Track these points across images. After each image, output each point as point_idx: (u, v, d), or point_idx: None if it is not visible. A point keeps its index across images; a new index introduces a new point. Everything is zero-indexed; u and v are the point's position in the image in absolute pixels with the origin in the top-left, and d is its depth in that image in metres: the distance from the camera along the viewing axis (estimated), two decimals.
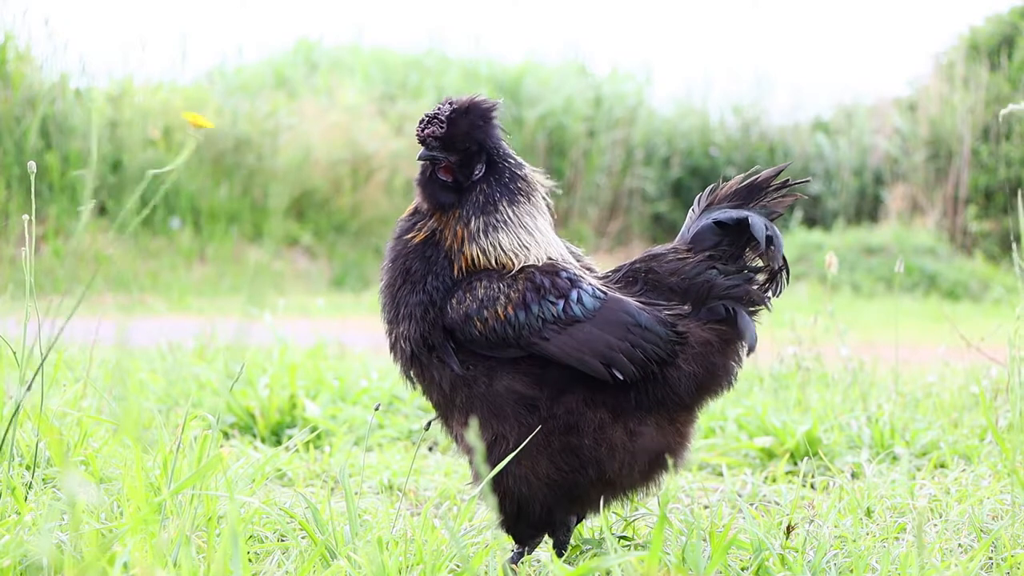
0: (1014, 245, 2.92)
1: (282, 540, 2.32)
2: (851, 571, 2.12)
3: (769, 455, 3.42)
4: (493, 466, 2.07)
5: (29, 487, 2.32)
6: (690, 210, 2.41)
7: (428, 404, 2.36)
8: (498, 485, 2.12)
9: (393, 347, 2.27)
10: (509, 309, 2.15)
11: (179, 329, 5.99)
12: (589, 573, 1.87)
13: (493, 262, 2.21)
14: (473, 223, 2.22)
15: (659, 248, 2.38)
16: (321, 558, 2.09)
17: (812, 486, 3.04)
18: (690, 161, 18.06)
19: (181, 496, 1.91)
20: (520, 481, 2.14)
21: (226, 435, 3.68)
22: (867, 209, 17.31)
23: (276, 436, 3.67)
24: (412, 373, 2.25)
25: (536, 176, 2.31)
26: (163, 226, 11.71)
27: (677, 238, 2.40)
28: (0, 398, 2.51)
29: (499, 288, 2.17)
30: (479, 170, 2.24)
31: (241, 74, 16.58)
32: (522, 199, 2.26)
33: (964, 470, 3.09)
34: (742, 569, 2.17)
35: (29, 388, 2.02)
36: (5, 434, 1.97)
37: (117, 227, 2.19)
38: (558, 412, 2.13)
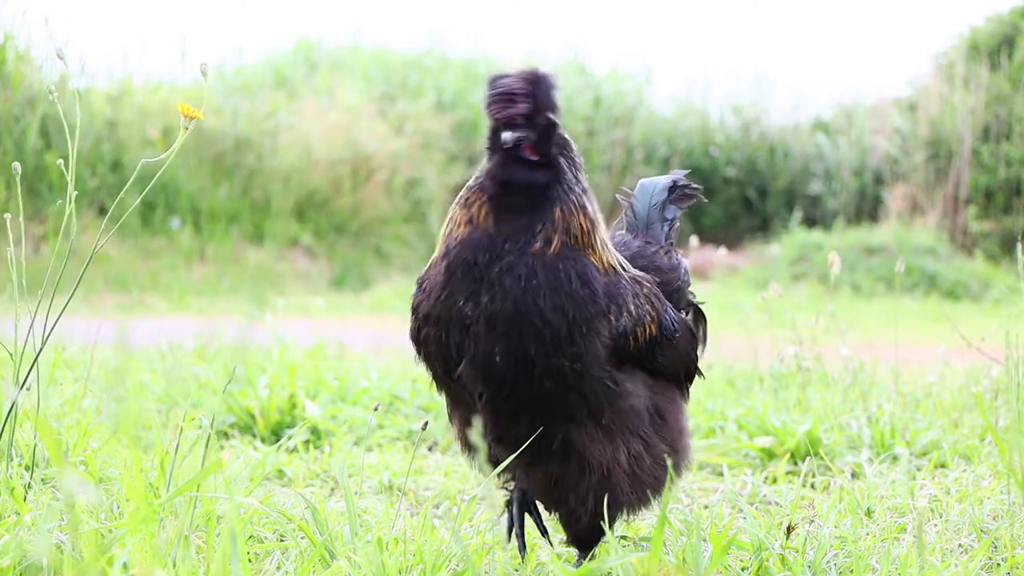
0: (1020, 245, 2.92)
1: (281, 540, 2.32)
2: (851, 571, 2.12)
3: (769, 455, 3.42)
4: (631, 482, 2.03)
5: (28, 487, 2.31)
6: (632, 201, 2.57)
7: (429, 404, 2.35)
8: (616, 500, 2.04)
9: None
10: (653, 328, 2.07)
11: (179, 329, 5.99)
12: (590, 574, 1.87)
13: (608, 260, 2.03)
14: (588, 209, 2.02)
15: (646, 248, 2.45)
16: (321, 558, 2.09)
17: (812, 486, 3.04)
18: (690, 161, 18.06)
19: (180, 496, 1.91)
20: (636, 491, 2.07)
21: (226, 435, 3.68)
22: (867, 209, 17.32)
23: (276, 436, 3.66)
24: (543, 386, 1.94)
25: None
26: (163, 226, 11.70)
27: (632, 229, 2.53)
28: None
29: (640, 302, 2.05)
30: (555, 148, 2.03)
31: (241, 74, 16.58)
32: (580, 163, 2.10)
33: (964, 470, 3.09)
34: (742, 569, 2.17)
35: (26, 387, 2.01)
36: (1, 432, 1.97)
37: (109, 223, 2.18)
38: (672, 422, 2.13)
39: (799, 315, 4.77)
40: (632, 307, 2.01)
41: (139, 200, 2.17)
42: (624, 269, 2.08)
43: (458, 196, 2.05)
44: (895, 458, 3.31)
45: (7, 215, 2.20)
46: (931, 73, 16.42)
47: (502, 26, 31.48)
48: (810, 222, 16.31)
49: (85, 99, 11.30)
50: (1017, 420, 2.55)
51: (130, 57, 15.39)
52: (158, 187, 10.88)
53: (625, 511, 2.10)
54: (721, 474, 3.30)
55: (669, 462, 2.05)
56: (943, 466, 3.26)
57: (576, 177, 2.04)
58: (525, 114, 1.96)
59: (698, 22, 36.76)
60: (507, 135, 1.95)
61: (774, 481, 3.16)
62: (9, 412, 2.11)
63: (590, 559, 2.15)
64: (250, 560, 2.18)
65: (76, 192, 2.09)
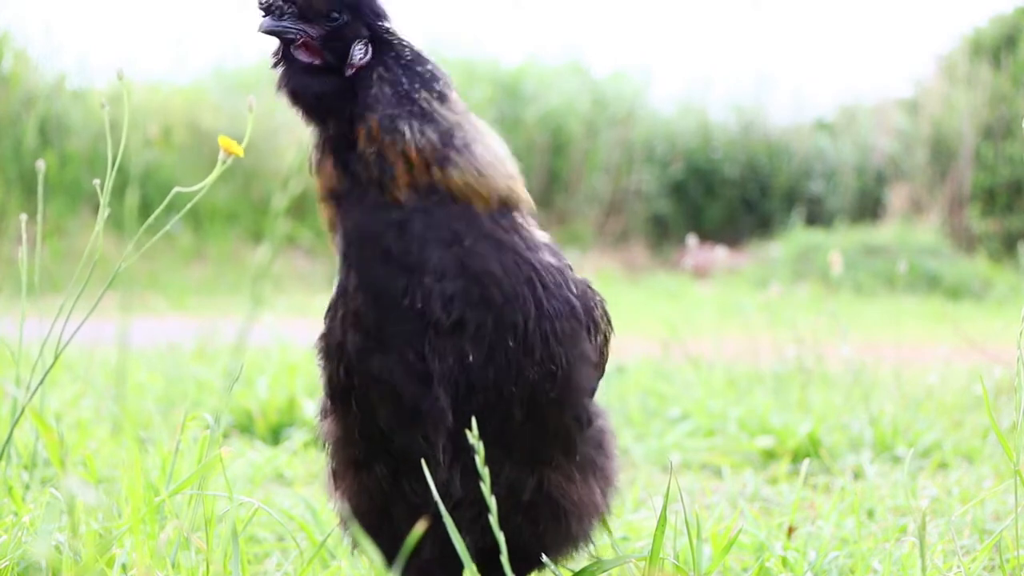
0: (1022, 244, 2.92)
1: (281, 541, 2.31)
2: (853, 572, 2.11)
3: (770, 455, 3.41)
4: (596, 521, 1.70)
5: (27, 488, 2.31)
6: None
7: None
8: (575, 543, 1.72)
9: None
10: (607, 348, 1.69)
11: (178, 329, 5.98)
12: (590, 574, 1.86)
13: (499, 196, 1.52)
14: (417, 133, 1.48)
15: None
16: (320, 559, 2.08)
17: (814, 487, 3.03)
18: (690, 161, 18.05)
19: (180, 497, 1.90)
20: (591, 529, 1.73)
21: (225, 435, 3.67)
22: (869, 209, 17.29)
23: (275, 436, 3.66)
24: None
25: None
26: (162, 226, 11.68)
27: None
28: None
29: (599, 310, 1.64)
30: (362, 51, 1.54)
31: (241, 74, 16.57)
32: (446, 89, 1.55)
33: (966, 471, 3.09)
34: (743, 570, 2.16)
35: (32, 390, 2.01)
36: (11, 436, 1.97)
37: (111, 224, 2.17)
38: (612, 449, 1.75)
39: (800, 315, 4.77)
40: (600, 321, 1.63)
41: (154, 213, 2.15)
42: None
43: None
44: (897, 459, 3.30)
45: (23, 216, 2.19)
46: (933, 73, 16.41)
47: (502, 26, 31.47)
48: (811, 222, 16.28)
49: (84, 99, 11.31)
50: None
51: (130, 57, 15.37)
52: (158, 187, 10.89)
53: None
54: (722, 475, 3.29)
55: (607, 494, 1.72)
56: (945, 467, 3.25)
57: (411, 96, 1.51)
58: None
59: (698, 22, 36.75)
60: (264, 23, 1.53)
61: (775, 481, 3.16)
62: (17, 416, 2.10)
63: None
64: (250, 561, 2.18)
65: (69, 192, 2.08)
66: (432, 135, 1.48)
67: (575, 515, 1.63)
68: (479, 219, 1.48)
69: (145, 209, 2.13)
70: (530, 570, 1.69)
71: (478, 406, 1.48)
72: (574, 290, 1.56)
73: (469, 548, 1.52)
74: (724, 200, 18.05)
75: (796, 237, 14.42)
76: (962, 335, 3.91)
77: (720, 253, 8.10)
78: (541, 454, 1.57)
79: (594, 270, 12.54)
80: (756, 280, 11.70)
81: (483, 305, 1.46)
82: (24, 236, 2.16)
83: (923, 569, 1.75)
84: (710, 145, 18.36)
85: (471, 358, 1.46)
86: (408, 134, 1.47)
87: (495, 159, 1.53)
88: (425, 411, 1.49)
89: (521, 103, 16.56)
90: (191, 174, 11.92)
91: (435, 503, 1.49)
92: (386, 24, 1.57)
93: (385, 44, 1.55)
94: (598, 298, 1.66)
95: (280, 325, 5.25)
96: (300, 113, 1.55)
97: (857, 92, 19.58)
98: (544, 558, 1.66)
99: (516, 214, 1.54)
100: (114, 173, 2.04)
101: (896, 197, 16.23)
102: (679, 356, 5.14)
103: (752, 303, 7.48)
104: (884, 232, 14.55)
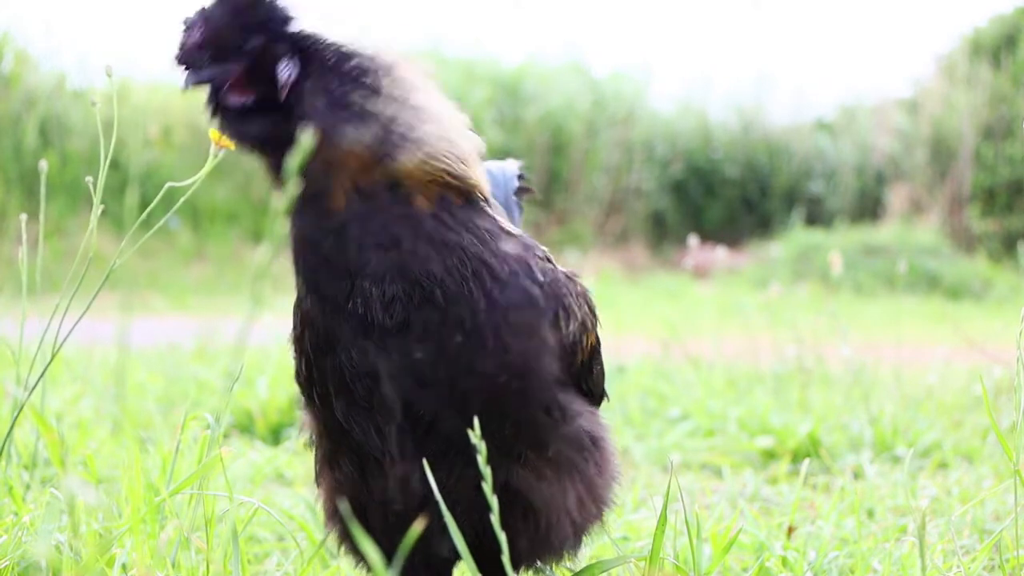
0: (1022, 244, 2.92)
1: (281, 541, 2.31)
2: (853, 572, 2.11)
3: (770, 455, 3.41)
4: (574, 532, 1.63)
5: (27, 487, 2.31)
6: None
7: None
8: (554, 553, 1.66)
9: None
10: (592, 337, 1.64)
11: (178, 329, 5.98)
12: (590, 574, 1.86)
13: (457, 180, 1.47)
14: (353, 136, 1.44)
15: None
16: (320, 559, 2.08)
17: (813, 487, 3.03)
18: (690, 161, 18.06)
19: (180, 496, 1.90)
20: (574, 545, 1.68)
21: (225, 435, 3.68)
22: (869, 209, 17.31)
23: (275, 437, 3.66)
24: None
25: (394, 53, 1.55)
26: (162, 226, 11.68)
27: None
28: None
29: (581, 302, 1.61)
30: (287, 70, 1.48)
31: None
32: (378, 79, 1.49)
33: (966, 471, 3.09)
34: (743, 570, 2.16)
35: (32, 387, 2.01)
36: (10, 433, 1.97)
37: (110, 223, 2.17)
38: (609, 457, 1.69)
39: (800, 315, 4.77)
40: (575, 309, 1.58)
41: (140, 199, 2.15)
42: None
43: None
44: (897, 459, 3.30)
45: (23, 216, 2.19)
46: (933, 73, 16.42)
47: (502, 26, 31.46)
48: (811, 222, 16.29)
49: (85, 99, 11.31)
50: None
51: (130, 57, 15.39)
52: (158, 187, 10.88)
53: (553, 567, 1.70)
54: (721, 474, 3.29)
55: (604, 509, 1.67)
56: (945, 467, 3.25)
57: (345, 98, 1.47)
58: (201, 44, 1.50)
59: (698, 22, 36.75)
60: (186, 77, 1.51)
61: (775, 481, 3.16)
62: (16, 415, 2.10)
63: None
64: (250, 561, 2.18)
65: (69, 192, 2.08)
66: (367, 134, 1.45)
67: (544, 515, 1.57)
68: (420, 219, 1.45)
69: (145, 208, 2.12)
70: (501, 572, 1.59)
71: (433, 401, 1.48)
72: (540, 278, 1.52)
73: (441, 548, 1.52)
74: (724, 200, 18.06)
75: (796, 237, 14.42)
76: (962, 335, 3.91)
77: (720, 253, 8.09)
78: (507, 448, 1.52)
79: (594, 270, 12.54)
80: (756, 280, 11.70)
81: (426, 305, 1.44)
82: (24, 236, 2.16)
83: (923, 569, 1.75)
84: (710, 145, 18.37)
85: (418, 355, 1.46)
86: (343, 141, 1.45)
87: (443, 138, 1.49)
88: (375, 406, 1.49)
89: (521, 103, 16.57)
90: (191, 174, 11.83)
91: (406, 502, 1.51)
92: (301, 29, 1.51)
93: (308, 52, 1.50)
94: (579, 288, 1.63)
95: (280, 325, 5.24)
96: (247, 152, 1.54)
97: (857, 92, 19.62)
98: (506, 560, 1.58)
99: (469, 206, 1.49)
100: (114, 172, 2.04)
101: (896, 197, 16.24)
102: (679, 356, 5.14)
103: (752, 303, 7.48)
104: (884, 232, 14.55)
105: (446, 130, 1.51)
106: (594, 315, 1.67)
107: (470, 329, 1.45)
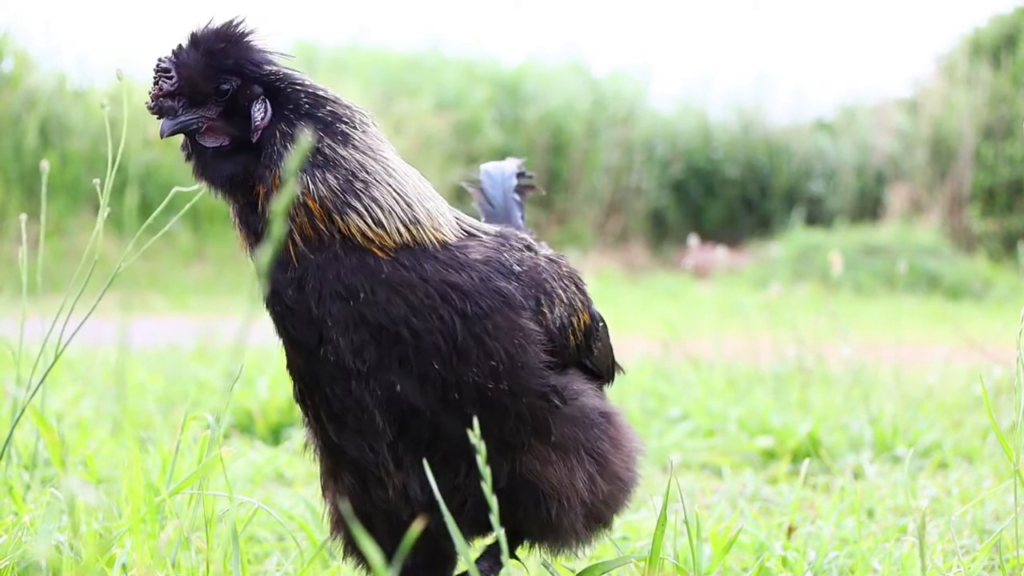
0: (1022, 244, 2.92)
1: (281, 541, 2.31)
2: (853, 572, 2.11)
3: (770, 455, 3.41)
4: (585, 514, 1.65)
5: (27, 488, 2.31)
6: (484, 189, 2.20)
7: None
8: (566, 539, 1.70)
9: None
10: (585, 316, 1.69)
11: (178, 329, 5.98)
12: (590, 574, 1.86)
13: (399, 235, 1.50)
14: (317, 183, 1.48)
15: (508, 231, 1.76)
16: (320, 559, 2.08)
17: (813, 487, 3.03)
18: (690, 161, 18.05)
19: (180, 497, 1.91)
20: (589, 526, 1.71)
21: (225, 435, 3.68)
22: (869, 209, 17.31)
23: (275, 436, 3.66)
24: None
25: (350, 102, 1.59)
26: (162, 226, 11.69)
27: (492, 219, 2.11)
28: None
29: (566, 284, 1.66)
30: (261, 111, 1.52)
31: None
32: (349, 128, 1.54)
33: (966, 471, 3.09)
34: (743, 570, 2.16)
35: (33, 389, 2.01)
36: (11, 435, 1.97)
37: (111, 224, 2.17)
38: (624, 432, 1.75)
39: (800, 315, 4.77)
40: (560, 292, 1.63)
41: (155, 214, 2.15)
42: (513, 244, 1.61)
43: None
44: (897, 459, 3.30)
45: (24, 216, 2.19)
46: (933, 73, 16.41)
47: (502, 26, 31.47)
48: (811, 222, 16.29)
49: (85, 99, 11.31)
50: None
51: (130, 57, 15.38)
52: (158, 187, 10.89)
53: (574, 549, 1.73)
54: (722, 474, 3.29)
55: (625, 486, 1.71)
56: (945, 467, 3.25)
57: (315, 135, 1.51)
58: (175, 92, 1.52)
59: (698, 22, 36.74)
60: (163, 125, 1.53)
61: (775, 481, 3.16)
62: (18, 416, 2.10)
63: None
64: (250, 561, 2.18)
65: (70, 192, 2.08)
66: (332, 181, 1.49)
67: (554, 499, 1.60)
68: (377, 267, 1.49)
69: (145, 209, 2.13)
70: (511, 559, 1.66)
71: (427, 420, 1.52)
72: (516, 269, 1.56)
73: (447, 548, 1.58)
74: (724, 200, 18.06)
75: (796, 237, 14.42)
76: (962, 335, 3.91)
77: (720, 253, 8.09)
78: (511, 440, 1.56)
79: (594, 270, 12.54)
80: (756, 280, 11.70)
81: (396, 345, 1.49)
82: (24, 236, 2.16)
83: (923, 569, 1.75)
84: (710, 145, 18.37)
85: (398, 388, 1.50)
86: (309, 185, 1.48)
87: (396, 203, 1.51)
88: (364, 431, 1.54)
89: (521, 103, 16.57)
90: (190, 173, 11.91)
91: (408, 509, 1.56)
92: (274, 71, 1.54)
93: (282, 95, 1.53)
94: (563, 270, 1.67)
95: None
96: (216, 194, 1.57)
97: (857, 92, 19.62)
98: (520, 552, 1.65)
99: (430, 240, 1.52)
100: (114, 173, 2.04)
101: (896, 197, 16.24)
102: (679, 356, 5.14)
103: (752, 303, 7.48)
104: (884, 232, 14.55)
105: (404, 190, 1.54)
106: (584, 295, 1.71)
107: (447, 352, 1.49)
